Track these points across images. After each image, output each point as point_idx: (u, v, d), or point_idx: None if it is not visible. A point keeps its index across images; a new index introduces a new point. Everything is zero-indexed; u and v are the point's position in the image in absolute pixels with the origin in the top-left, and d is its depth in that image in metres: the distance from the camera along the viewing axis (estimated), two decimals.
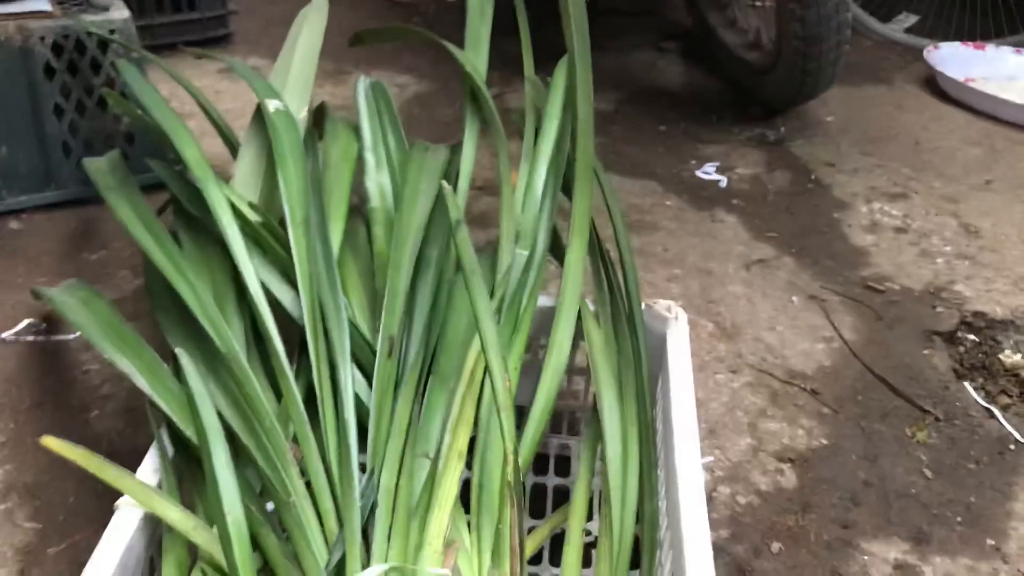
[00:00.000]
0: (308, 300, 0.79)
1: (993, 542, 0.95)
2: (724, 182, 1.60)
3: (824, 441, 1.06)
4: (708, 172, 1.64)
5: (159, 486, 0.72)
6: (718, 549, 0.91)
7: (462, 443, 0.73)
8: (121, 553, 0.68)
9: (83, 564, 0.64)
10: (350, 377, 0.77)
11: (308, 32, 1.09)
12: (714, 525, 0.94)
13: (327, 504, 0.71)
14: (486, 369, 0.78)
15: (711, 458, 1.03)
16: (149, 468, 0.73)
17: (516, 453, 0.66)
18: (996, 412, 1.11)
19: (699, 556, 0.69)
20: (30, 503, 0.91)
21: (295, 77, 1.04)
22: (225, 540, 0.66)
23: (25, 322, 1.14)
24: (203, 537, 0.67)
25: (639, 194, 1.55)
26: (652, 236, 1.43)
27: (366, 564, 0.66)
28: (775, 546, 0.93)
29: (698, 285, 1.32)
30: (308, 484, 0.72)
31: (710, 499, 0.96)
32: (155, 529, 0.71)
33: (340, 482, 0.71)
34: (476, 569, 0.69)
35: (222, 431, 0.70)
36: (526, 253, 0.90)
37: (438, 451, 0.74)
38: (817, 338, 1.23)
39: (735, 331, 1.23)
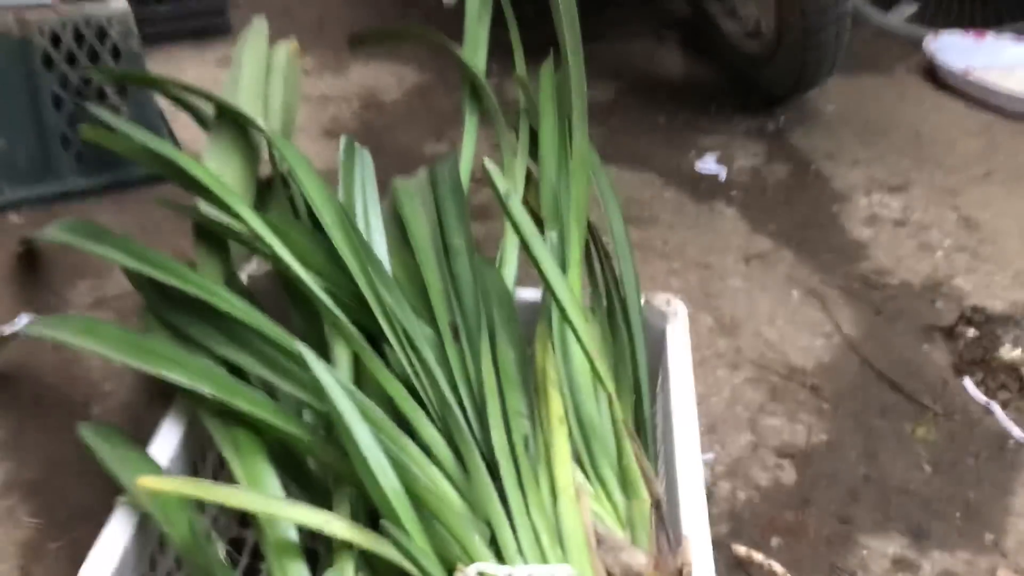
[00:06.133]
0: (370, 291, 0.81)
1: (992, 537, 0.96)
2: (723, 174, 1.60)
3: (824, 436, 1.06)
4: (707, 164, 1.63)
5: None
6: (717, 544, 0.91)
7: (557, 404, 0.77)
8: (121, 550, 0.68)
9: (85, 560, 0.64)
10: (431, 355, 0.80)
11: (250, 55, 1.09)
12: (714, 520, 0.94)
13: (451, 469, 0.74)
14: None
15: (711, 455, 1.03)
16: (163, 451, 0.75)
17: (616, 393, 0.76)
18: (995, 407, 1.11)
19: (699, 552, 0.70)
20: (31, 499, 0.91)
21: (246, 100, 1.04)
22: (392, 516, 0.66)
23: (26, 318, 1.13)
24: (370, 540, 0.67)
25: (638, 186, 1.55)
26: (651, 229, 1.43)
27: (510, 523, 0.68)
28: (774, 541, 0.94)
29: (697, 279, 1.32)
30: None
31: (710, 494, 0.96)
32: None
33: (461, 446, 0.74)
34: (611, 508, 0.74)
35: (359, 413, 0.70)
36: (555, 233, 0.91)
37: (531, 410, 0.77)
38: (816, 333, 1.23)
39: (734, 326, 1.23)
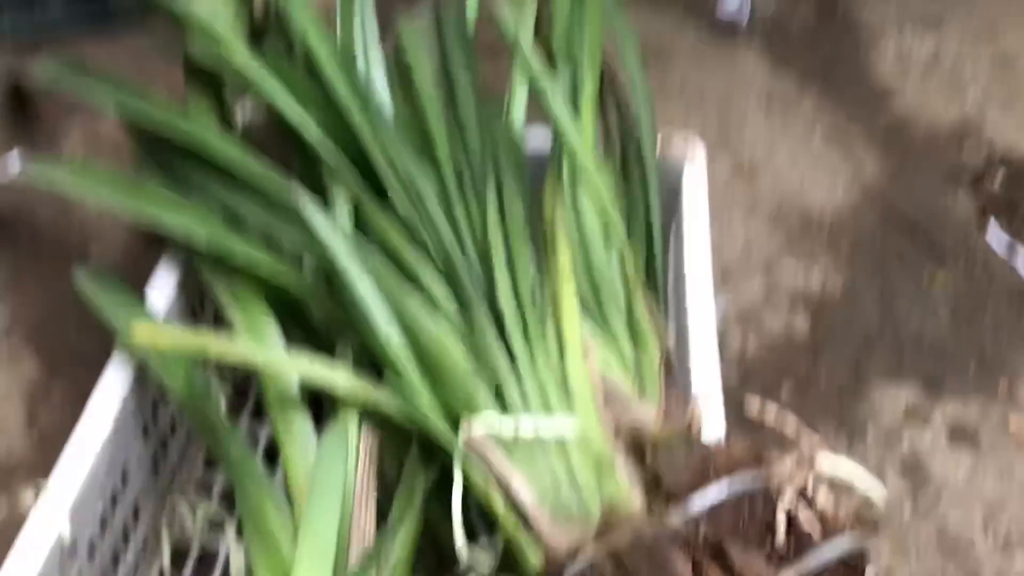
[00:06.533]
0: (370, 136, 0.78)
1: (1006, 387, 0.94)
2: (747, 12, 1.53)
3: (840, 284, 1.04)
4: (731, 2, 1.55)
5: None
6: (728, 394, 0.90)
7: (565, 254, 0.73)
8: (120, 399, 0.68)
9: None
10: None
11: None
12: (724, 368, 0.92)
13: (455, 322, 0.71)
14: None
15: (725, 298, 1.00)
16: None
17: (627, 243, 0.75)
18: (1019, 249, 1.07)
19: (709, 405, 0.69)
20: (32, 343, 0.91)
21: None
22: (393, 367, 0.65)
23: (17, 157, 1.10)
24: (374, 392, 0.66)
25: (657, 25, 1.48)
26: (669, 70, 1.37)
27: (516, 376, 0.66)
28: (785, 390, 0.93)
29: (716, 121, 1.27)
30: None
31: (721, 341, 0.94)
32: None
33: (466, 299, 0.71)
34: (620, 362, 0.71)
35: (357, 258, 0.68)
36: (568, 72, 0.86)
37: (538, 261, 0.74)
38: (837, 178, 1.19)
39: (753, 169, 1.19)
